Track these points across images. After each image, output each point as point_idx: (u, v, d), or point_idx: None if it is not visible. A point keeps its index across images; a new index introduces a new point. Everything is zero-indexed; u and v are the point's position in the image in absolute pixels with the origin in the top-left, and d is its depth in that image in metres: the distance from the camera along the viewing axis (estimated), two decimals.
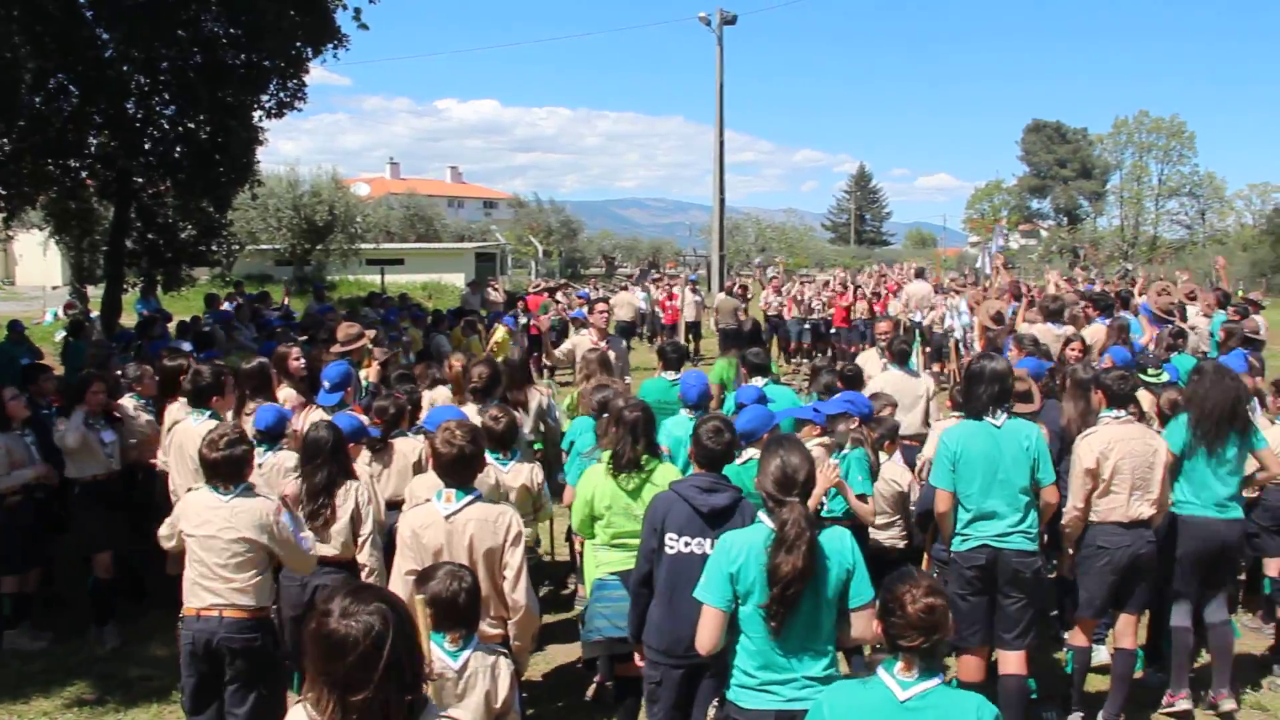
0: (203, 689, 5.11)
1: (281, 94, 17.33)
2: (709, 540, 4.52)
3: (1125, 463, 5.96)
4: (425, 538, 4.62)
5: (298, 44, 16.71)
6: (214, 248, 19.70)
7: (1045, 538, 6.12)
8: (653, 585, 4.75)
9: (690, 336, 22.81)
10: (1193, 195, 70.14)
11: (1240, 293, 19.28)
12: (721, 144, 33.12)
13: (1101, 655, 6.66)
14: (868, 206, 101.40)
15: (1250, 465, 6.39)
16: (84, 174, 16.91)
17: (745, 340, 9.15)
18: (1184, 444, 6.25)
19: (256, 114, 17.26)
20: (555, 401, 8.98)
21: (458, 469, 4.69)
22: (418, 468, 6.71)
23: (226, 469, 5.02)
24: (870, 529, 6.83)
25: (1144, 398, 7.25)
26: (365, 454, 6.76)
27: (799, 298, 21.74)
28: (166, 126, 16.63)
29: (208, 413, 6.69)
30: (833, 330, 20.93)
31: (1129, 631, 6.16)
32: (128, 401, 8.07)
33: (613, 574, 5.49)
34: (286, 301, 20.71)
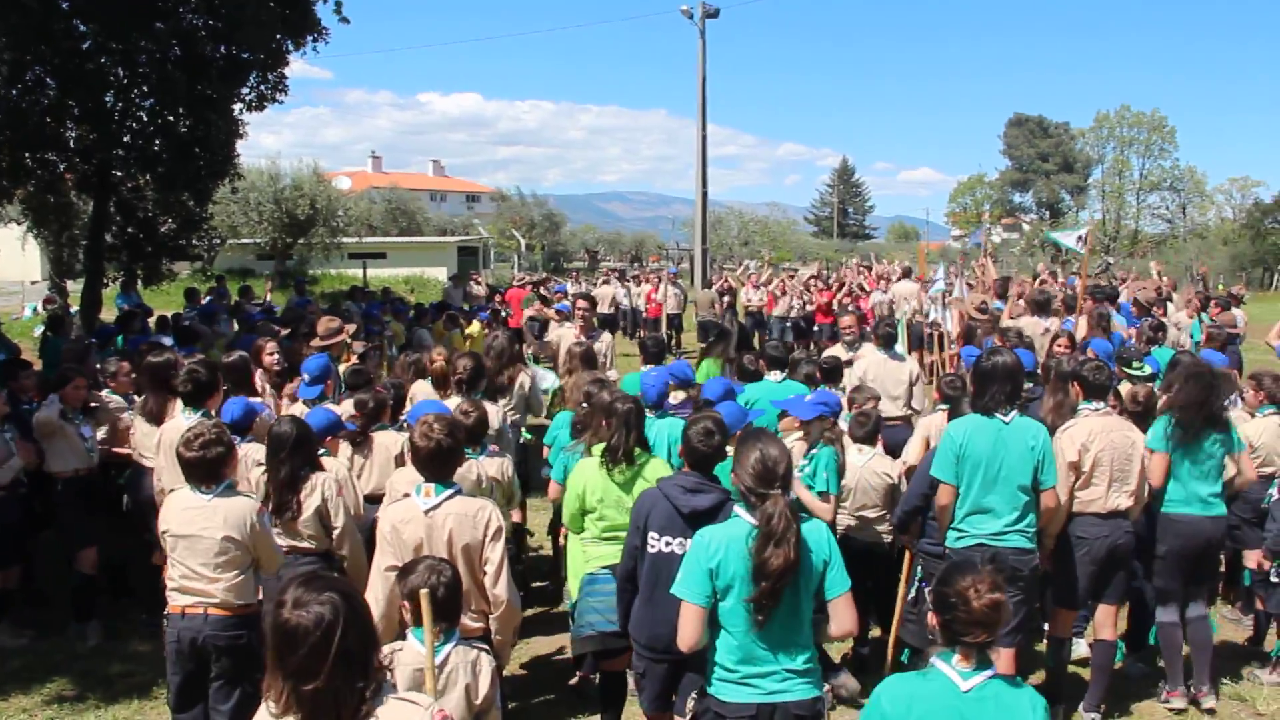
0: (188, 686, 5.08)
1: (262, 87, 17.25)
2: (689, 541, 4.51)
3: (1105, 454, 5.98)
4: (405, 533, 4.60)
5: (278, 37, 16.62)
6: (194, 242, 19.60)
7: None
8: (637, 581, 4.77)
9: (671, 329, 22.80)
10: (1174, 189, 70.65)
11: (1221, 286, 19.41)
12: (704, 138, 33.08)
13: (1081, 649, 6.69)
14: (850, 200, 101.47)
15: (1229, 470, 6.40)
16: (62, 167, 16.80)
17: (728, 337, 9.11)
18: (1165, 442, 6.27)
19: (236, 107, 17.17)
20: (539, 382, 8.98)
21: (436, 463, 4.67)
22: (399, 461, 6.68)
23: (203, 469, 4.98)
24: (856, 526, 6.84)
25: (1126, 390, 7.27)
26: (345, 448, 6.74)
27: (779, 293, 21.72)
28: (145, 119, 16.53)
29: (201, 411, 6.61)
30: (815, 327, 20.94)
31: (1108, 622, 6.19)
32: (104, 396, 8.02)
33: (604, 568, 5.46)
34: (269, 297, 20.60)
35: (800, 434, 6.60)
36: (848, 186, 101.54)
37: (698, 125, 32.91)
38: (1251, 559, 7.17)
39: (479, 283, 23.30)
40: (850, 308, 14.27)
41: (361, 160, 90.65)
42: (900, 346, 9.85)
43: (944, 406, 7.33)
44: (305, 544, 5.66)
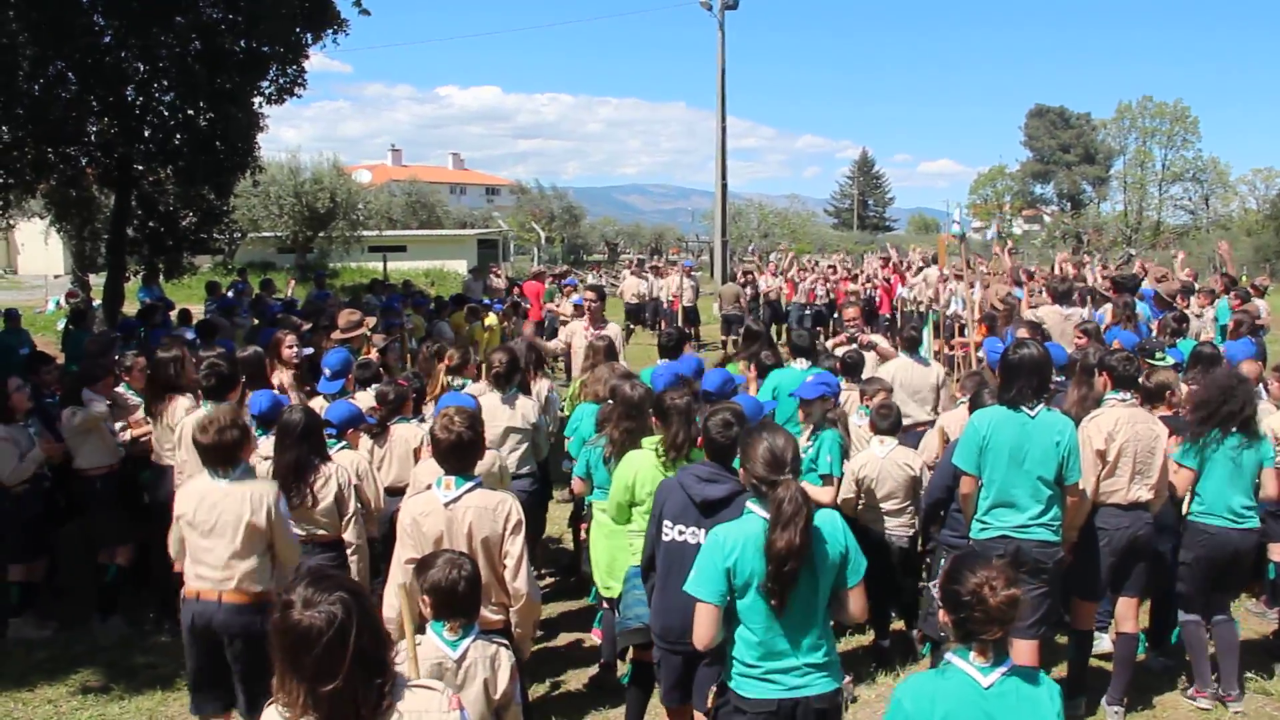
0: (206, 669, 5.11)
1: (282, 80, 17.26)
2: (702, 530, 4.53)
3: (1129, 445, 5.94)
4: (425, 525, 4.61)
5: (297, 30, 16.64)
6: (215, 235, 19.63)
7: None
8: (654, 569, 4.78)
9: (688, 322, 22.79)
10: (1196, 180, 70.09)
11: (1244, 278, 19.25)
12: (723, 130, 33.01)
13: (1104, 645, 6.64)
14: (870, 192, 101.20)
15: (1266, 486, 6.29)
16: (84, 162, 16.85)
17: (760, 338, 9.06)
18: (1190, 457, 6.20)
19: (256, 100, 17.18)
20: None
21: (456, 455, 4.67)
22: (417, 454, 6.70)
23: (219, 454, 5.00)
24: (875, 520, 6.83)
25: (1158, 385, 7.18)
26: (365, 440, 6.76)
27: (798, 280, 21.67)
28: (166, 113, 16.57)
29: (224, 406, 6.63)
30: (835, 316, 20.88)
31: (1130, 615, 6.14)
32: (120, 390, 8.07)
33: None
34: (291, 292, 20.67)
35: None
36: (868, 178, 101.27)
37: (717, 117, 32.86)
38: (1276, 552, 7.10)
39: (499, 275, 23.31)
40: (856, 301, 14.23)
41: (381, 153, 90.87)
42: (926, 348, 9.78)
43: (964, 401, 7.28)
44: (322, 532, 5.70)
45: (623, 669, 6.37)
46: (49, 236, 28.65)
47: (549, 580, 8.40)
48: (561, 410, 8.67)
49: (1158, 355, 8.15)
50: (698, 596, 3.94)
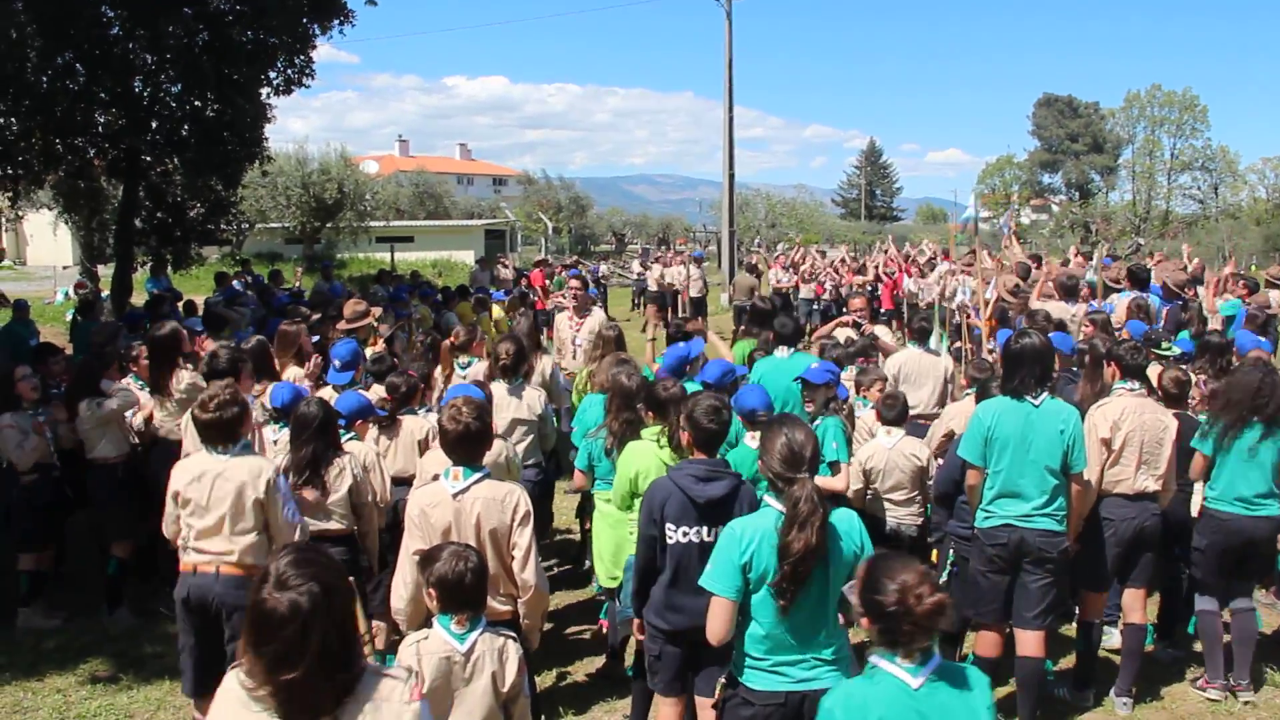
0: (199, 645, 5.13)
1: (289, 71, 17.29)
2: (706, 528, 4.57)
3: (1135, 435, 5.94)
4: (433, 516, 4.60)
5: (304, 20, 16.66)
6: (223, 226, 19.71)
7: None
8: (654, 570, 4.74)
9: (696, 313, 22.75)
10: (1205, 169, 69.84)
11: (1254, 268, 19.17)
12: (731, 120, 32.92)
13: (1115, 639, 6.62)
14: (878, 182, 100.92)
15: None
16: (92, 153, 16.90)
17: (765, 319, 9.02)
18: (1207, 442, 6.18)
19: (264, 91, 17.22)
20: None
21: (464, 446, 4.66)
22: (423, 446, 6.70)
23: (219, 430, 5.03)
24: (887, 509, 6.81)
25: (1152, 372, 7.17)
26: (373, 430, 6.76)
27: (808, 275, 21.63)
28: (174, 104, 16.61)
29: None
30: (844, 310, 20.84)
31: (1137, 606, 6.14)
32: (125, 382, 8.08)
33: None
34: (299, 283, 20.69)
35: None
36: (875, 168, 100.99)
37: (724, 107, 32.75)
38: None
39: (506, 266, 23.32)
40: (862, 292, 14.19)
41: (388, 144, 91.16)
42: (934, 340, 9.71)
43: (970, 392, 7.26)
44: (335, 525, 5.70)
45: (629, 660, 6.37)
46: (57, 227, 28.68)
47: (555, 570, 8.40)
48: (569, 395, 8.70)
49: (1164, 345, 8.14)
50: (713, 591, 3.95)
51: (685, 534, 4.61)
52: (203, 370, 6.72)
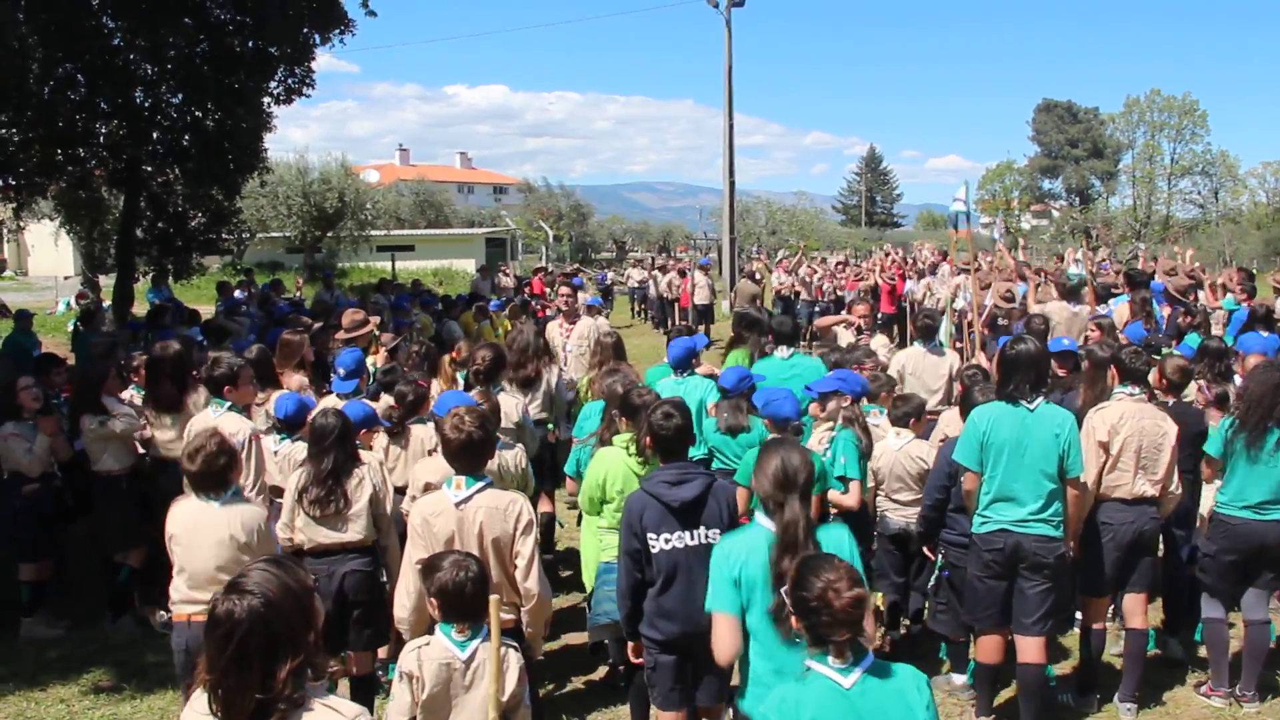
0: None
1: (289, 80, 17.33)
2: (688, 532, 4.63)
3: (1133, 440, 5.92)
4: (436, 525, 4.60)
5: (304, 30, 16.69)
6: (224, 236, 19.71)
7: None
8: (641, 584, 4.75)
9: (702, 320, 22.74)
10: (1205, 174, 69.75)
11: (1256, 272, 19.19)
12: (731, 127, 32.93)
13: (1119, 647, 6.59)
14: (878, 188, 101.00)
15: None
16: (93, 163, 16.93)
17: (759, 326, 9.01)
18: (1223, 446, 6.15)
19: (264, 101, 17.25)
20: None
21: (466, 455, 4.66)
22: (432, 455, 6.69)
23: (209, 480, 5.00)
24: (892, 509, 6.80)
25: (1164, 365, 7.15)
26: (381, 439, 6.74)
27: (809, 280, 21.65)
28: (174, 115, 16.63)
29: (226, 404, 6.65)
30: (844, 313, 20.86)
31: (1138, 611, 6.12)
32: (127, 393, 8.09)
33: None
34: (300, 293, 20.71)
35: (826, 426, 6.54)
36: (875, 175, 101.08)
37: (724, 115, 32.77)
38: None
39: (507, 274, 23.35)
40: (865, 298, 14.16)
41: (389, 153, 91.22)
42: (943, 338, 9.68)
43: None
44: (353, 537, 5.61)
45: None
46: (59, 238, 28.73)
47: (560, 577, 8.40)
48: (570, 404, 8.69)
49: (1164, 351, 8.14)
50: (715, 610, 3.97)
51: (668, 540, 4.64)
52: (204, 376, 6.69)
